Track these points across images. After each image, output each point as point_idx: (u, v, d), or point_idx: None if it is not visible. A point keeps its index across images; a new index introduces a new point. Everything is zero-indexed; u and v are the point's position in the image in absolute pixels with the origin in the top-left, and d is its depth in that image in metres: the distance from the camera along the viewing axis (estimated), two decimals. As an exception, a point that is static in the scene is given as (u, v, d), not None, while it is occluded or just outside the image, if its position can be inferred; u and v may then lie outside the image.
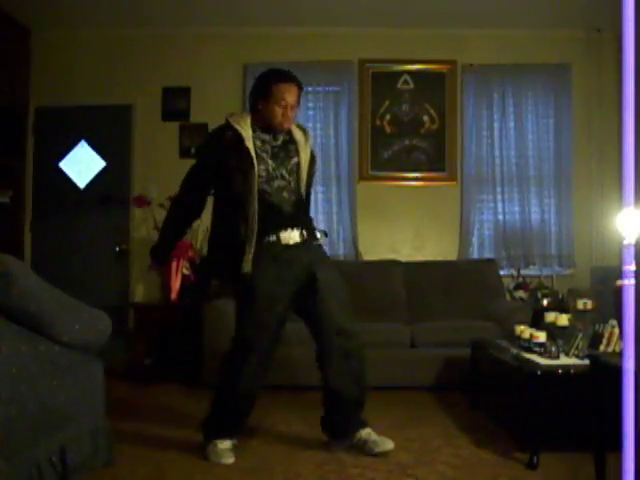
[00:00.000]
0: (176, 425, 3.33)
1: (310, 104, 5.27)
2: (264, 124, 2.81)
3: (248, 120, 2.79)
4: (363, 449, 2.80)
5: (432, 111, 5.37)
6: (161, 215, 5.01)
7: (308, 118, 5.24)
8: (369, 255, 5.22)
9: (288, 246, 2.76)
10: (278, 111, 2.76)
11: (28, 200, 5.28)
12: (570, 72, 5.32)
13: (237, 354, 2.77)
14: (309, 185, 2.93)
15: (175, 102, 5.34)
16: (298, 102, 2.85)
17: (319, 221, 5.28)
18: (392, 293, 4.81)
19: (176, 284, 4.89)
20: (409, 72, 5.38)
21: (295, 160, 2.87)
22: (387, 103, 5.37)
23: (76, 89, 5.29)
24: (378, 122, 5.36)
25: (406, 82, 5.38)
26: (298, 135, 2.91)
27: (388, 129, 5.37)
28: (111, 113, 5.33)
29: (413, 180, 5.36)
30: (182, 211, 2.94)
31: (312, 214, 5.06)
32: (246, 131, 2.74)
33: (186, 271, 4.90)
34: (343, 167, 5.30)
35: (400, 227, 5.32)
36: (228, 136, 2.75)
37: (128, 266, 5.26)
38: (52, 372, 2.22)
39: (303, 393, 3.77)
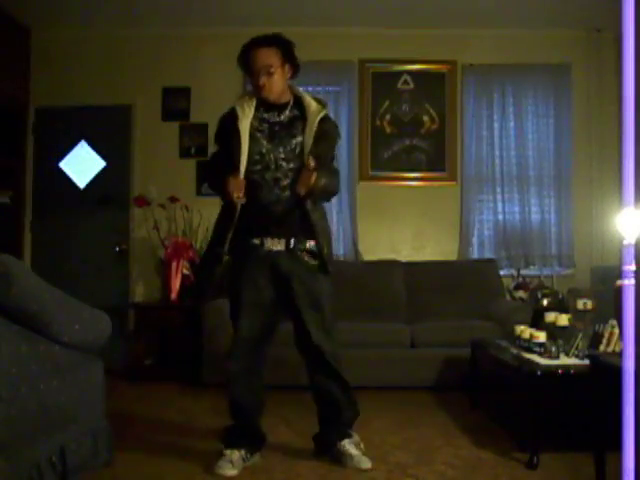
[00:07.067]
0: (176, 425, 3.33)
1: (310, 104, 5.26)
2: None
3: (254, 99, 2.62)
4: (340, 460, 2.67)
5: (432, 111, 5.37)
6: (161, 215, 5.06)
7: (308, 118, 5.23)
8: (369, 255, 5.21)
9: (270, 252, 2.61)
10: (254, 81, 2.58)
11: (28, 200, 5.27)
12: (570, 72, 5.32)
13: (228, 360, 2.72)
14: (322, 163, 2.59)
15: (175, 102, 5.34)
16: (277, 64, 2.56)
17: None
18: (392, 293, 4.81)
19: (176, 284, 4.91)
20: (409, 72, 5.37)
21: (298, 140, 2.60)
22: (387, 103, 5.37)
23: (76, 89, 5.28)
24: (378, 122, 5.36)
25: (406, 82, 5.38)
26: (312, 108, 2.62)
27: (388, 129, 5.37)
28: (111, 113, 5.32)
29: (413, 180, 5.36)
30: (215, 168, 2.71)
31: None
32: (243, 110, 2.58)
33: (186, 271, 4.91)
34: (343, 167, 5.28)
35: (400, 227, 5.32)
36: (227, 117, 2.64)
37: (128, 266, 5.26)
38: (52, 372, 2.22)
39: (303, 393, 3.75)
